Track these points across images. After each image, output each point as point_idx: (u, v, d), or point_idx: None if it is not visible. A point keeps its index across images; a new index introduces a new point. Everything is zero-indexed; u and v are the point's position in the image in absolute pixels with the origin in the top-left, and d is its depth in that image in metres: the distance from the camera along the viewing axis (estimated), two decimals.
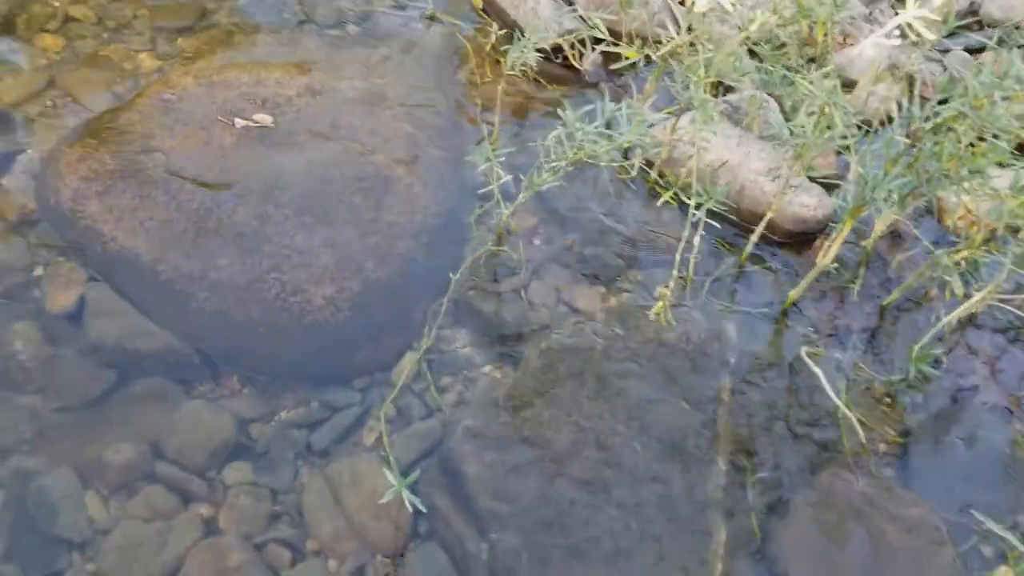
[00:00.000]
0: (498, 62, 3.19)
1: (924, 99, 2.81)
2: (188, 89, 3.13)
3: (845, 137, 2.27)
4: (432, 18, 3.75)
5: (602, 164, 2.37)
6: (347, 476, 2.40)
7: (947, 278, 2.43)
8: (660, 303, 2.61)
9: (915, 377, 2.66)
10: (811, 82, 2.17)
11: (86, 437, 2.43)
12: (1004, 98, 1.90)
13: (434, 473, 2.41)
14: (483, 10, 3.81)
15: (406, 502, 2.15)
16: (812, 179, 3.06)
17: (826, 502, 2.42)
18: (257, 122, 3.04)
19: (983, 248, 2.46)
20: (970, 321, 2.88)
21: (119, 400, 2.51)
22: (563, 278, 2.91)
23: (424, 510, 2.15)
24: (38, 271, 2.70)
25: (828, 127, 2.24)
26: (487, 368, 2.68)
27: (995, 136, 1.97)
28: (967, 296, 2.48)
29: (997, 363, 2.80)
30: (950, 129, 2.01)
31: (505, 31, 3.44)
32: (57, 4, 3.51)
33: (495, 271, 2.90)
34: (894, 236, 3.12)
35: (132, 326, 2.59)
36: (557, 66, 3.57)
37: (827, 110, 2.19)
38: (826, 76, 2.30)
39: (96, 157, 2.88)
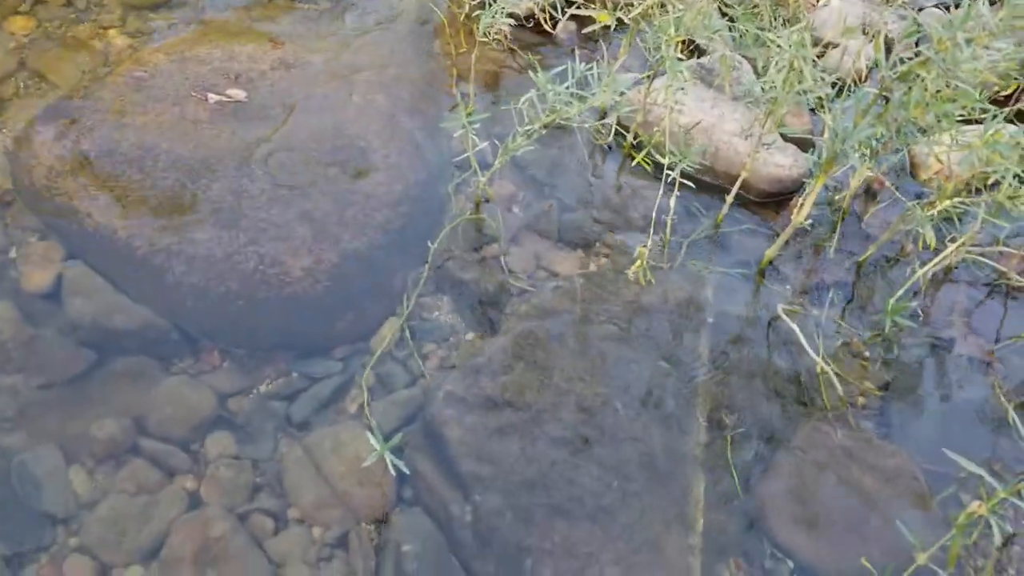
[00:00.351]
0: (472, 32, 3.18)
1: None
2: (160, 66, 3.11)
3: (814, 91, 2.28)
4: None
5: (575, 127, 2.36)
6: (328, 444, 2.41)
7: (920, 230, 2.45)
8: (638, 262, 2.62)
9: (891, 330, 2.68)
10: (780, 38, 2.18)
11: (69, 414, 2.43)
12: (967, 40, 1.90)
13: (417, 438, 2.43)
14: None
15: (389, 465, 2.16)
16: (787, 138, 3.07)
17: (805, 455, 2.44)
18: (231, 97, 3.03)
19: (956, 200, 2.47)
20: (947, 275, 2.90)
21: (100, 377, 2.51)
22: (542, 244, 2.92)
23: (407, 472, 2.17)
24: (13, 252, 2.69)
25: (798, 82, 2.24)
26: (468, 334, 2.69)
27: (961, 82, 1.97)
28: (940, 249, 2.49)
29: (973, 316, 2.82)
30: (917, 77, 2.01)
31: (479, 1, 3.43)
32: None
33: (474, 239, 2.91)
34: (869, 193, 3.14)
35: (110, 303, 2.58)
36: (531, 32, 3.57)
37: (796, 64, 2.20)
38: (796, 32, 2.31)
39: (70, 136, 2.86)
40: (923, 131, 2.16)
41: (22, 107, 3.04)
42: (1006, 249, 2.75)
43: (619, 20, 2.82)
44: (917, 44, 2.21)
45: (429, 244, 2.80)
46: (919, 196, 3.01)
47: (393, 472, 2.15)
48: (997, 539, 1.77)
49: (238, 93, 3.04)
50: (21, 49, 3.26)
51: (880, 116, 2.23)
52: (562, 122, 2.43)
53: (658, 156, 2.67)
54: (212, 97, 3.00)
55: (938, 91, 2.10)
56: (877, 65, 2.56)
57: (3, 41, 3.27)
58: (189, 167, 2.81)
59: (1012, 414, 2.46)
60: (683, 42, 2.84)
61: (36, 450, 2.35)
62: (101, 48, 3.35)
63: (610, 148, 3.21)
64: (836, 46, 3.44)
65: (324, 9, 3.66)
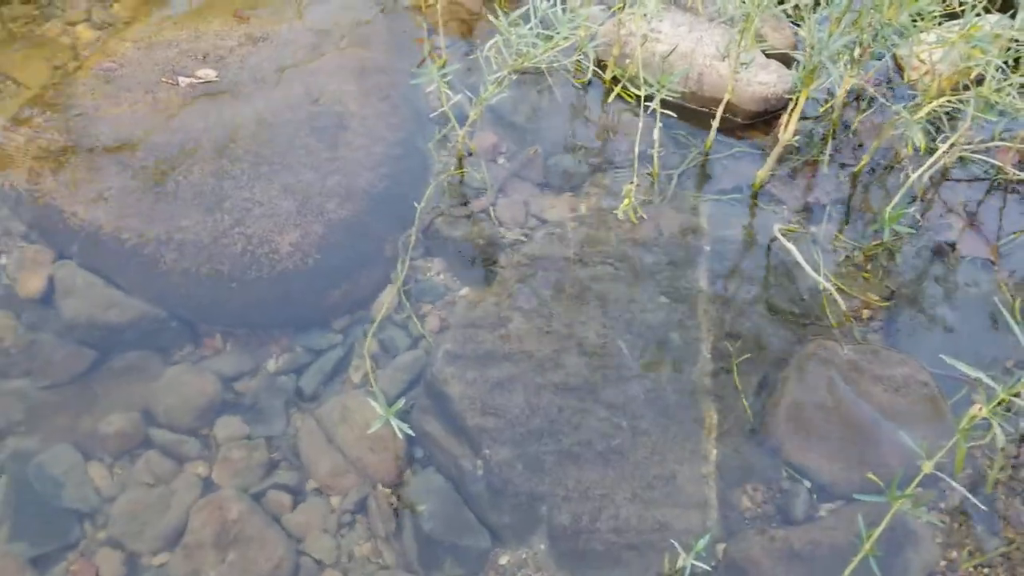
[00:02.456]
0: None
1: None
2: (128, 55, 3.08)
3: (785, 2, 2.21)
4: None
5: (551, 67, 2.31)
6: (338, 414, 2.41)
7: (910, 134, 2.39)
8: (626, 200, 2.58)
9: (891, 239, 2.64)
10: None
11: (77, 413, 2.45)
12: None
13: (423, 399, 2.43)
14: None
15: (395, 429, 2.16)
16: (769, 55, 2.99)
17: (813, 373, 2.42)
18: (201, 78, 2.99)
19: (943, 99, 2.41)
20: (943, 177, 2.84)
21: (103, 374, 2.52)
22: (529, 191, 2.89)
23: (412, 434, 2.17)
24: (3, 259, 2.69)
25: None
26: (464, 291, 2.67)
27: None
28: (932, 150, 2.43)
29: (974, 215, 2.77)
30: None
31: None
32: None
33: (461, 194, 2.88)
34: (860, 101, 3.07)
35: (103, 299, 2.58)
36: None
37: None
38: None
39: (45, 136, 2.85)
40: (901, 33, 2.10)
41: None
42: (1000, 144, 2.68)
43: None
44: None
45: (415, 204, 2.77)
46: (909, 98, 2.94)
47: (400, 435, 2.15)
48: (1000, 440, 1.74)
49: (208, 73, 3.00)
50: None
51: (855, 22, 2.16)
52: (533, 66, 2.38)
53: (637, 88, 2.61)
54: (183, 80, 2.97)
55: None
56: None
57: None
58: (168, 154, 2.79)
59: (1017, 312, 2.41)
60: None
61: (52, 450, 2.37)
62: (69, 43, 3.31)
63: (590, 85, 3.15)
64: None
65: None
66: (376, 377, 2.47)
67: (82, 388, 2.50)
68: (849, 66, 2.30)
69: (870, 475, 2.12)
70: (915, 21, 2.03)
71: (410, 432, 2.12)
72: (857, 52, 2.26)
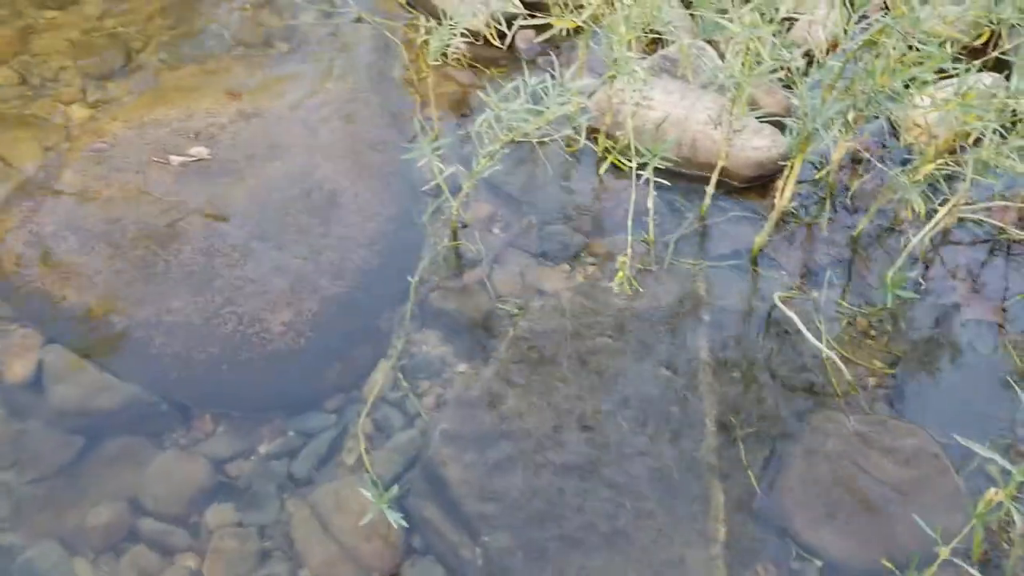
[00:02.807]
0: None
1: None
2: (119, 135, 3.07)
3: (776, 71, 2.19)
4: (360, 20, 3.67)
5: (535, 141, 2.29)
6: (332, 501, 2.34)
7: (908, 197, 2.35)
8: (620, 273, 2.54)
9: (894, 304, 2.59)
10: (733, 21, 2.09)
11: (64, 505, 2.38)
12: (923, 1, 1.81)
13: (419, 483, 2.36)
14: (409, 4, 3.73)
15: (389, 519, 2.09)
16: (762, 119, 2.98)
17: (820, 446, 2.35)
18: (193, 156, 2.98)
19: (940, 161, 2.38)
20: (945, 238, 2.80)
21: (91, 463, 2.45)
22: (525, 262, 2.85)
23: (405, 525, 2.09)
24: None
25: (757, 64, 2.15)
26: (461, 367, 2.62)
27: (923, 43, 1.89)
28: (931, 213, 2.40)
29: (978, 277, 2.72)
30: (876, 44, 1.93)
31: (434, 23, 3.36)
32: None
33: (456, 266, 2.84)
34: (856, 164, 3.04)
35: (93, 384, 2.53)
36: (490, 49, 3.49)
37: (752, 46, 2.11)
38: (753, 11, 2.22)
39: (35, 219, 2.82)
40: (893, 98, 2.07)
41: None
42: (999, 203, 2.65)
43: (574, 24, 2.74)
44: (887, 8, 2.12)
45: (410, 278, 2.73)
46: (905, 160, 2.91)
47: (395, 525, 2.08)
48: (1020, 527, 1.67)
49: (200, 151, 2.99)
50: None
51: (848, 89, 2.14)
52: (523, 139, 2.36)
53: (625, 158, 2.59)
54: (174, 159, 2.95)
55: (903, 56, 2.01)
56: (845, 35, 2.48)
57: None
58: (158, 234, 2.76)
59: None
60: (647, 35, 2.75)
61: (37, 546, 2.30)
62: (62, 123, 3.31)
63: (584, 155, 3.13)
64: (794, 20, 3.34)
65: (282, 52, 3.61)
66: (370, 460, 2.41)
67: (69, 478, 2.43)
68: (844, 131, 2.27)
69: (885, 561, 2.04)
70: (907, 86, 2.01)
71: (405, 524, 2.05)
72: (851, 117, 2.24)
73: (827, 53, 3.10)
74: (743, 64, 2.17)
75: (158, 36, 3.64)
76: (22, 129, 3.24)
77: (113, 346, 2.57)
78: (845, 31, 2.07)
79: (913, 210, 2.27)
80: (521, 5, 2.94)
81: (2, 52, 3.54)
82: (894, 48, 1.96)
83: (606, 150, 3.04)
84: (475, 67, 3.43)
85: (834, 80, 2.10)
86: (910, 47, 1.96)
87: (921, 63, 2.01)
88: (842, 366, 2.46)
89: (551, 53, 3.46)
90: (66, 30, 3.65)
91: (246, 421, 2.52)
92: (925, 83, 2.05)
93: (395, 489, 2.09)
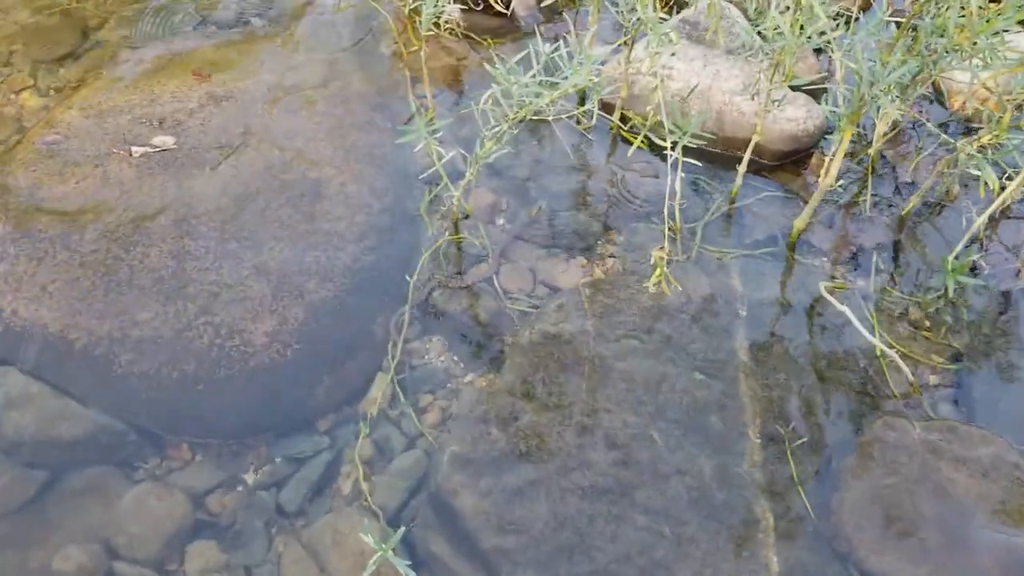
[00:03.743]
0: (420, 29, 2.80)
1: None
2: (74, 124, 2.73)
3: (826, 33, 1.89)
4: None
5: (550, 119, 1.98)
6: (328, 538, 2.05)
7: (974, 171, 2.06)
8: (657, 270, 2.23)
9: (954, 292, 2.30)
10: None
11: (27, 547, 2.08)
12: None
13: (427, 513, 2.07)
14: None
15: (399, 569, 1.79)
16: (794, 88, 2.67)
17: (882, 458, 2.07)
18: (157, 146, 2.65)
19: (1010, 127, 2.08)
20: (1003, 214, 2.52)
21: (56, 498, 2.16)
22: (536, 255, 2.54)
23: (413, 574, 1.80)
24: None
25: (804, 25, 1.85)
26: (468, 377, 2.32)
27: None
28: (1001, 187, 2.11)
29: None
30: None
31: None
32: None
33: (459, 262, 2.53)
34: (896, 135, 2.75)
35: (53, 411, 2.22)
36: (486, 15, 3.16)
37: (803, 1, 1.81)
38: None
39: None
40: (949, 58, 1.78)
41: None
42: None
43: None
44: None
45: (408, 278, 2.43)
46: (943, 127, 2.62)
47: (403, 574, 1.78)
48: None
49: (165, 140, 2.66)
50: None
51: (911, 48, 1.84)
52: (535, 116, 2.04)
53: (653, 136, 2.28)
54: (136, 150, 2.63)
55: (979, 7, 1.71)
56: None
57: None
58: (120, 235, 2.44)
59: None
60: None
61: None
62: (13, 114, 2.97)
63: (595, 133, 2.82)
64: None
65: (257, 29, 3.27)
66: (370, 487, 2.11)
67: (32, 517, 2.13)
68: (900, 98, 1.98)
69: None
70: (991, 38, 1.71)
71: (412, 574, 1.75)
72: (910, 83, 1.94)
73: (861, 12, 2.79)
74: (792, 23, 1.86)
75: (118, 11, 3.30)
76: None
77: (73, 367, 2.26)
78: None
79: (985, 183, 1.97)
80: None
81: None
82: None
83: (621, 127, 2.73)
84: (470, 37, 3.11)
85: (896, 38, 1.80)
86: None
87: (999, 15, 1.71)
88: (900, 363, 2.18)
89: (554, 21, 3.15)
90: (16, 11, 3.30)
91: (227, 447, 2.22)
92: (1004, 41, 1.75)
93: (401, 531, 1.79)
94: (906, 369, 2.18)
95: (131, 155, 2.62)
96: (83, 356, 2.26)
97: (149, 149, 2.63)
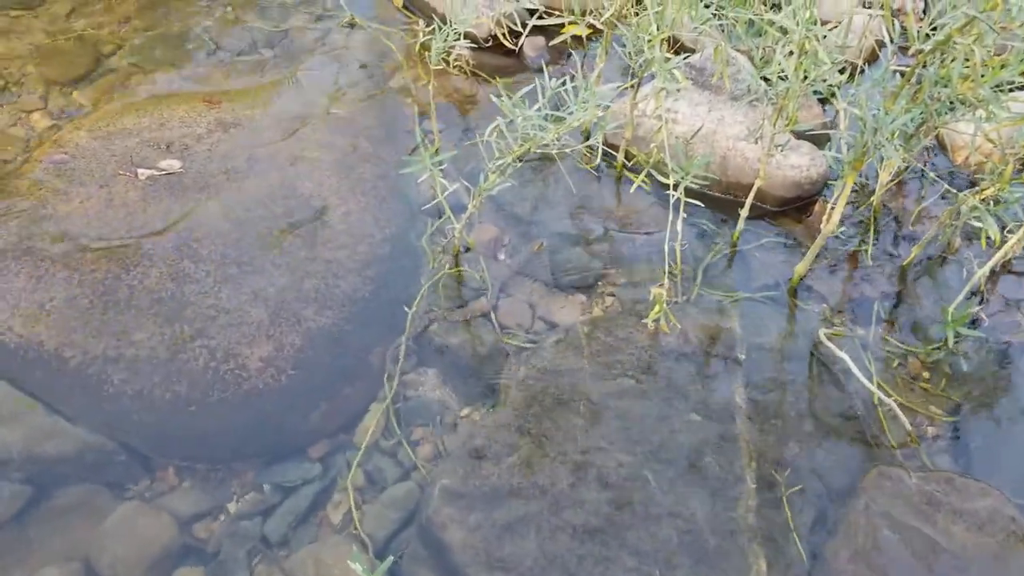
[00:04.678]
0: (429, 63, 2.83)
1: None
2: (82, 145, 2.75)
3: (830, 77, 1.90)
4: (352, 25, 3.38)
5: (554, 152, 1.99)
6: (311, 568, 2.02)
7: (976, 223, 2.06)
8: (656, 307, 2.22)
9: (954, 343, 2.29)
10: (786, 18, 1.81)
11: (6, 565, 2.05)
12: None
13: (416, 546, 2.03)
14: (406, 7, 3.44)
15: None
16: (798, 136, 2.69)
17: (877, 508, 2.04)
18: (163, 170, 2.67)
19: (1013, 181, 2.09)
20: (1004, 268, 2.51)
21: (39, 516, 2.13)
22: (536, 291, 2.54)
23: None
24: None
25: (812, 67, 1.86)
26: (464, 411, 2.30)
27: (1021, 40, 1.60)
28: (1003, 240, 2.11)
29: None
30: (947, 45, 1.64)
31: (432, 27, 3.07)
32: None
33: (458, 296, 2.53)
34: (899, 185, 2.76)
35: (42, 428, 2.20)
36: (494, 54, 3.21)
37: (808, 46, 1.82)
38: (801, 8, 1.93)
39: None
40: (952, 108, 1.79)
41: None
42: None
43: (591, 27, 2.45)
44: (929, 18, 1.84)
45: (406, 309, 2.42)
46: (950, 183, 2.63)
47: None
48: None
49: (172, 164, 2.68)
50: None
51: (915, 97, 1.85)
52: (539, 150, 2.05)
53: (656, 175, 2.29)
54: (142, 172, 2.64)
55: (984, 60, 1.73)
56: (891, 42, 2.19)
57: None
58: (121, 256, 2.44)
59: None
60: (666, 42, 2.47)
61: None
62: (23, 134, 2.99)
63: (599, 171, 2.83)
64: (835, 26, 3.07)
65: (267, 59, 3.31)
66: (360, 517, 2.08)
67: (14, 534, 2.10)
68: (903, 147, 1.98)
69: None
70: (996, 94, 1.72)
71: None
72: (914, 132, 1.95)
73: (866, 64, 2.82)
74: (796, 68, 1.88)
75: (131, 39, 3.34)
76: None
77: (66, 385, 2.25)
78: (908, 34, 1.78)
79: (986, 236, 1.97)
80: (526, 12, 2.63)
81: None
82: (974, 48, 1.67)
83: (625, 166, 2.75)
84: (478, 75, 3.14)
85: (900, 87, 1.81)
86: (991, 51, 1.67)
87: (1004, 67, 1.72)
88: (899, 412, 2.16)
89: (562, 62, 3.18)
90: (32, 32, 3.34)
91: (215, 472, 2.19)
92: (1009, 91, 1.77)
93: (389, 561, 1.76)
94: (904, 419, 2.16)
95: (137, 177, 2.63)
96: (76, 374, 2.24)
97: (155, 172, 2.65)
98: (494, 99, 2.02)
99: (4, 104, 3.06)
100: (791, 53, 1.87)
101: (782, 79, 1.96)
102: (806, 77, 1.92)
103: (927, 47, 1.74)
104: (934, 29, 1.81)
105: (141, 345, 2.27)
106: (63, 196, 2.59)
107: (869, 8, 2.88)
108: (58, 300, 2.35)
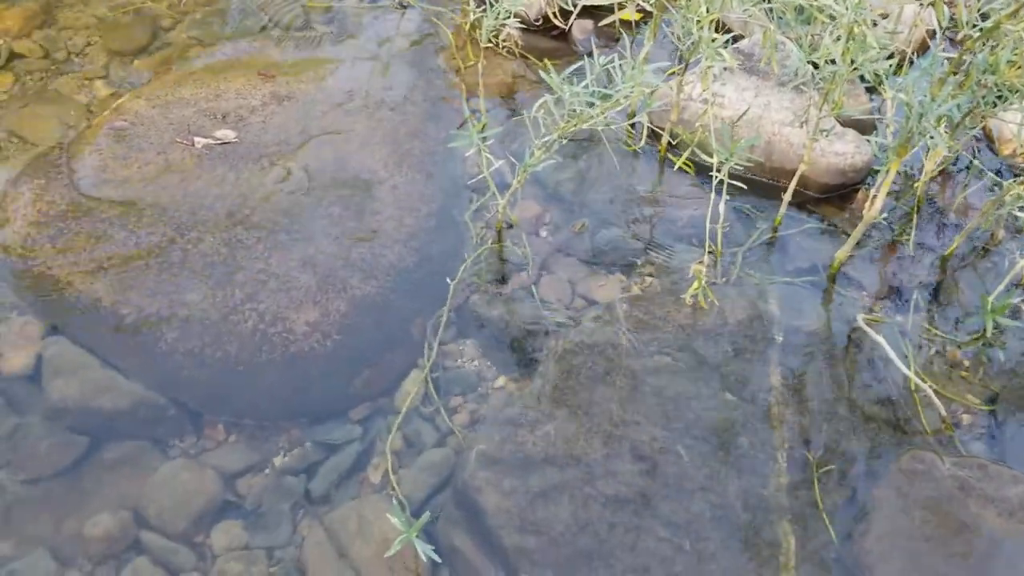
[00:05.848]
0: (479, 42, 2.87)
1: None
2: (141, 113, 2.84)
3: (879, 61, 1.91)
4: (404, 5, 3.44)
5: (600, 131, 2.03)
6: (353, 524, 2.08)
7: (1020, 213, 2.06)
8: (696, 283, 2.25)
9: (993, 333, 2.29)
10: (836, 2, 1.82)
11: (61, 512, 2.15)
12: None
13: (451, 509, 2.09)
14: None
15: (419, 551, 1.83)
16: (844, 123, 2.70)
17: (910, 491, 2.06)
18: (219, 139, 2.75)
19: None
20: None
21: (92, 467, 2.22)
22: (576, 269, 2.58)
23: (438, 559, 1.83)
24: None
25: (861, 52, 1.88)
26: (500, 381, 2.35)
27: None
28: None
29: None
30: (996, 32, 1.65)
31: (484, 8, 3.12)
32: (0, 42, 3.24)
33: (499, 270, 2.58)
34: (943, 175, 2.75)
35: (96, 381, 2.29)
36: (543, 36, 3.25)
37: (857, 30, 1.84)
38: None
39: (46, 198, 2.60)
40: (1000, 97, 1.79)
41: None
42: None
43: (640, 11, 2.48)
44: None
45: (448, 281, 2.48)
46: (998, 172, 2.62)
47: (424, 559, 1.81)
48: None
49: (227, 134, 2.75)
50: None
51: (962, 84, 1.86)
52: (586, 127, 2.09)
53: (701, 156, 2.32)
54: (199, 141, 2.72)
55: None
56: (940, 31, 2.20)
57: None
58: (177, 220, 2.53)
59: None
60: (714, 25, 2.49)
61: (27, 557, 2.06)
62: (85, 100, 3.09)
63: (642, 153, 2.86)
64: (884, 16, 3.06)
65: (321, 35, 3.38)
66: (398, 479, 2.15)
67: (68, 482, 2.20)
68: (949, 134, 1.99)
69: None
70: None
71: (436, 558, 1.78)
72: (961, 119, 1.96)
73: (915, 55, 2.81)
74: (844, 52, 1.89)
75: (190, 13, 3.43)
76: (42, 105, 3.02)
77: (121, 341, 2.34)
78: (958, 21, 1.79)
79: (1018, 230, 1.97)
80: None
81: (27, 25, 3.34)
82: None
83: (669, 148, 2.77)
84: (526, 57, 3.18)
85: (947, 73, 1.83)
86: None
87: None
88: (935, 399, 2.17)
89: (610, 47, 3.21)
90: (94, 5, 3.45)
91: (261, 430, 2.27)
92: None
93: (426, 516, 1.82)
94: (939, 405, 2.17)
95: (193, 145, 2.71)
96: (131, 331, 2.33)
97: (211, 141, 2.73)
98: (542, 75, 2.07)
99: (69, 73, 3.16)
100: (838, 38, 1.89)
101: (830, 63, 1.98)
102: (853, 62, 1.93)
103: (975, 34, 1.75)
104: (984, 16, 1.82)
105: (193, 306, 2.36)
106: (122, 161, 2.68)
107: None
108: (116, 259, 2.44)
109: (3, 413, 2.28)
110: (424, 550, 1.76)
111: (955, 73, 1.90)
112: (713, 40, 2.05)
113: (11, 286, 2.47)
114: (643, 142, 2.84)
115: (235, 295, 2.37)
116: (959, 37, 1.79)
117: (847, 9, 1.81)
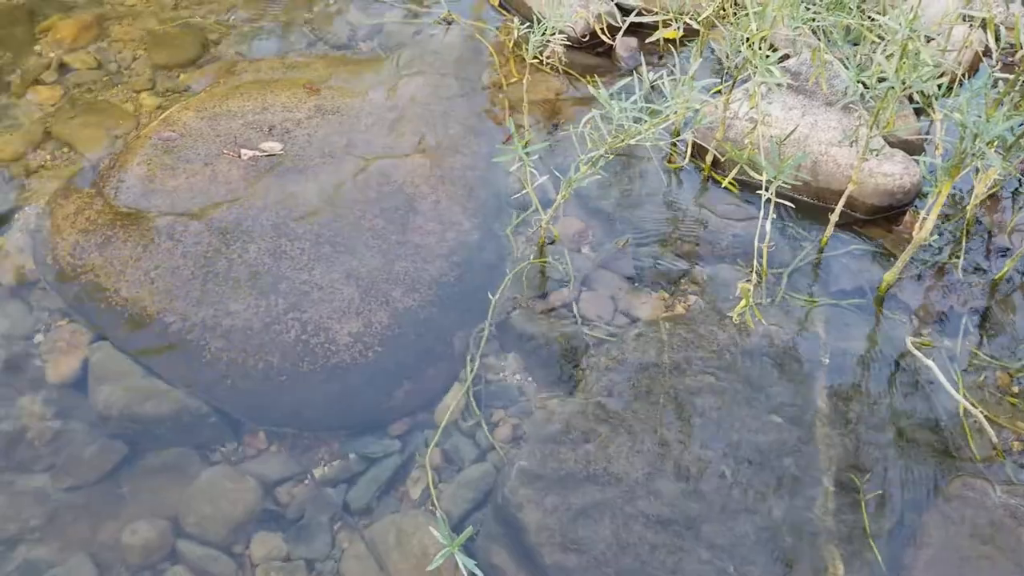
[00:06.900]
0: (523, 60, 2.88)
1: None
2: (189, 124, 2.88)
3: (933, 79, 1.89)
4: (448, 21, 3.46)
5: (647, 146, 2.02)
6: (392, 537, 2.08)
7: None
8: (743, 301, 2.23)
9: None
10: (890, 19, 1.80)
11: (100, 518, 2.16)
12: None
13: (491, 525, 2.08)
14: (502, 6, 3.51)
15: (460, 566, 1.81)
16: (891, 144, 2.67)
17: (960, 519, 2.01)
18: (265, 151, 2.77)
19: None
20: None
21: (132, 473, 2.24)
22: (618, 286, 2.57)
23: (480, 575, 1.81)
24: (39, 338, 2.45)
25: (913, 69, 1.86)
26: (542, 396, 2.34)
27: None
28: None
29: None
30: None
31: (528, 25, 3.13)
32: (52, 55, 3.30)
33: (541, 285, 2.57)
34: (992, 198, 2.71)
35: (140, 388, 2.31)
36: (587, 54, 3.25)
37: (910, 46, 1.82)
38: (906, 10, 1.93)
39: (94, 207, 2.64)
40: None
41: (46, 180, 2.83)
42: None
43: (686, 28, 2.47)
44: None
45: (490, 296, 2.47)
46: None
47: (465, 573, 1.80)
48: None
49: (273, 146, 2.78)
50: (46, 118, 3.06)
51: (1019, 104, 1.83)
52: (632, 143, 2.08)
53: (749, 174, 2.30)
54: (245, 153, 2.75)
55: None
56: (996, 50, 2.17)
57: (27, 111, 3.08)
58: (223, 230, 2.55)
59: None
60: (763, 42, 2.48)
61: (67, 563, 2.08)
62: (133, 111, 3.14)
63: (686, 172, 2.85)
64: (931, 39, 3.03)
65: (366, 51, 3.41)
66: (437, 494, 2.14)
67: (109, 489, 2.21)
68: (1004, 155, 1.96)
69: None
70: None
71: (479, 573, 1.77)
72: (1015, 140, 1.92)
73: (964, 77, 2.78)
74: (897, 70, 1.87)
75: (238, 28, 3.47)
76: (92, 115, 3.07)
77: (165, 348, 2.35)
78: (989, 48, 1.76)
79: None
80: (618, 10, 2.66)
81: (81, 37, 3.40)
82: None
83: (713, 167, 2.76)
84: (570, 74, 3.18)
85: (1003, 93, 1.80)
86: None
87: None
88: (986, 425, 2.13)
89: (654, 65, 3.21)
90: (144, 18, 3.51)
91: (302, 439, 2.27)
92: None
93: (469, 530, 1.81)
94: (990, 431, 2.12)
95: (240, 157, 2.74)
96: (175, 339, 2.35)
97: (257, 153, 2.75)
98: (591, 90, 2.06)
99: (119, 84, 3.22)
100: (891, 55, 1.87)
101: (881, 80, 1.96)
102: (904, 81, 1.91)
103: None
104: None
105: (237, 315, 2.37)
106: (170, 171, 2.72)
107: (970, 21, 2.84)
108: (162, 268, 2.46)
109: (49, 418, 2.30)
110: (466, 564, 1.75)
111: (1009, 94, 1.87)
112: (766, 57, 2.04)
113: (60, 294, 2.50)
114: (687, 161, 2.82)
115: (279, 305, 2.38)
116: (1017, 55, 1.76)
117: (900, 25, 1.79)
